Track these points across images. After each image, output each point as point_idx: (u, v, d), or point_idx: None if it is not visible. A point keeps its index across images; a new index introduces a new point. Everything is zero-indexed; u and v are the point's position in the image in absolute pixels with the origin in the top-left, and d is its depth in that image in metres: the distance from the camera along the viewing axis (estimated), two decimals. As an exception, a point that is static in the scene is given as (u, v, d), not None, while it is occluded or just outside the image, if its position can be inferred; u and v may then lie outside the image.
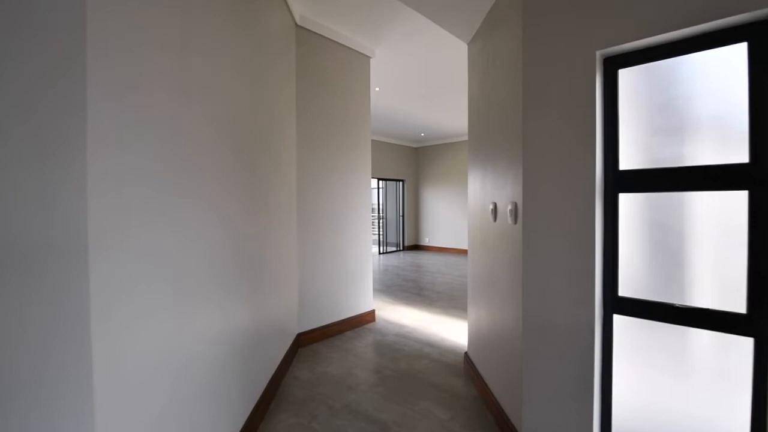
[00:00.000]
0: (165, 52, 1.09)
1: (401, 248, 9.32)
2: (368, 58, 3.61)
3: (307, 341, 3.02)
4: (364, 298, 3.59)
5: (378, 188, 9.08)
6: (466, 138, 8.43)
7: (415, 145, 9.51)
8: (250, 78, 1.91)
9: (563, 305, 1.55)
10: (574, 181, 1.49)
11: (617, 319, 1.49)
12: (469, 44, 2.61)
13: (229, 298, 1.65)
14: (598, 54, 1.43)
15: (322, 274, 3.18)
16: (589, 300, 1.47)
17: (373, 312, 3.65)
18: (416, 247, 9.55)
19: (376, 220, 9.25)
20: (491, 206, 2.05)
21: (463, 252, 8.52)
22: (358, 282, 3.53)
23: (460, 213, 8.61)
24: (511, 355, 1.81)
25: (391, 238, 9.39)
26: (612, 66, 1.44)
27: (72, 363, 0.80)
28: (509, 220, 1.78)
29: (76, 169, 0.79)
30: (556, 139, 1.53)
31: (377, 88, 4.90)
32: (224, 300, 1.59)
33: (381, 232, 9.01)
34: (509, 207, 1.78)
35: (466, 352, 2.67)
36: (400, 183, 9.35)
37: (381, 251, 8.84)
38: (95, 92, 0.82)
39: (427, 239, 9.35)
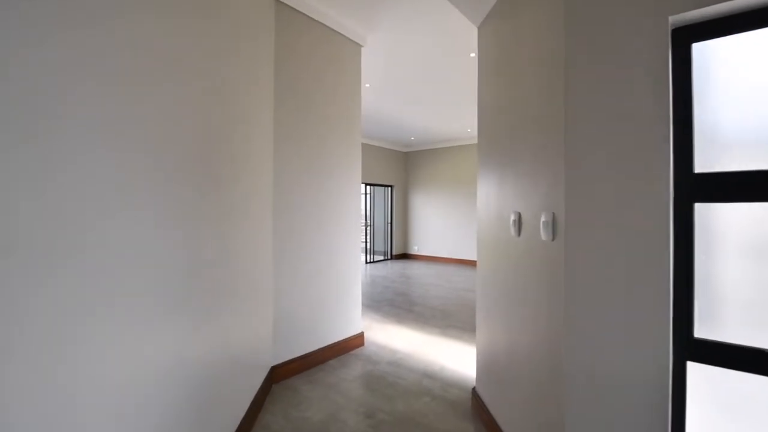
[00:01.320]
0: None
1: (389, 257, 8.88)
2: (359, 46, 3.21)
3: (283, 375, 2.54)
4: (352, 320, 3.14)
5: (365, 194, 8.66)
6: (458, 143, 8.12)
7: (404, 150, 9.14)
8: (214, 63, 1.47)
9: (619, 347, 1.15)
10: (639, 187, 1.10)
11: (692, 367, 1.11)
12: (480, 27, 2.24)
13: (182, 326, 1.21)
14: (670, 21, 1.06)
15: (303, 293, 2.72)
16: (656, 342, 1.09)
17: (361, 335, 3.20)
18: (405, 256, 9.13)
19: (363, 228, 8.80)
20: (513, 217, 1.65)
21: (455, 262, 8.15)
22: (345, 301, 3.07)
23: (452, 221, 8.26)
24: (542, 401, 1.40)
25: (379, 247, 8.95)
26: (684, 37, 1.07)
27: None
28: (543, 234, 1.38)
29: None
30: (612, 133, 1.14)
31: (367, 85, 4.50)
32: (176, 328, 1.16)
33: (368, 240, 8.56)
34: (543, 218, 1.38)
35: (474, 388, 2.24)
36: (389, 189, 8.95)
37: (368, 260, 8.39)
38: None
39: (416, 248, 8.95)
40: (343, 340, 3.03)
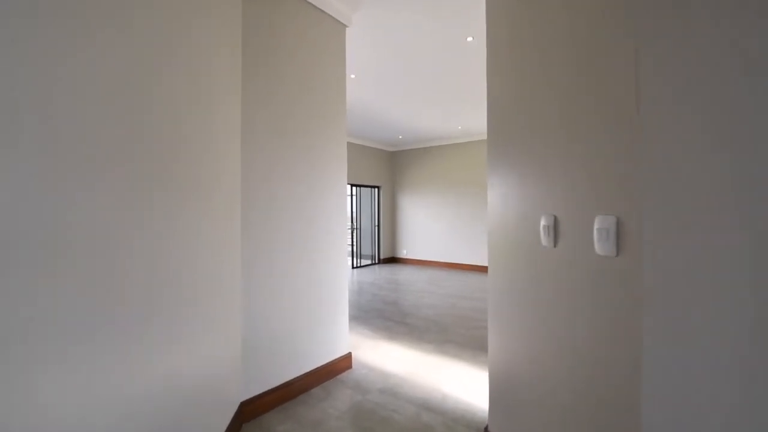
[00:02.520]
0: None
1: (377, 261, 8.49)
2: (344, 26, 2.81)
3: (255, 411, 2.11)
4: (339, 338, 2.73)
5: (351, 195, 8.24)
6: (448, 142, 7.80)
7: (391, 149, 8.77)
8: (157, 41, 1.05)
9: (722, 416, 0.79)
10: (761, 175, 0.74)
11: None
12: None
13: (119, 358, 0.80)
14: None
15: (280, 310, 2.30)
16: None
17: (349, 356, 2.79)
18: (393, 260, 8.75)
19: (350, 231, 8.37)
20: (544, 221, 1.29)
21: (445, 266, 7.82)
22: (330, 316, 2.66)
23: (441, 223, 7.93)
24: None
25: (366, 250, 8.55)
26: None
27: None
28: (598, 246, 1.02)
29: None
30: (718, 103, 0.78)
31: (352, 75, 4.11)
32: (111, 360, 0.74)
33: (355, 244, 8.15)
34: (598, 224, 1.02)
35: (486, 427, 1.87)
36: (376, 190, 8.56)
37: (355, 265, 7.97)
38: None
39: (405, 251, 8.59)
40: (329, 363, 2.61)
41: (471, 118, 6.06)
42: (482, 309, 4.43)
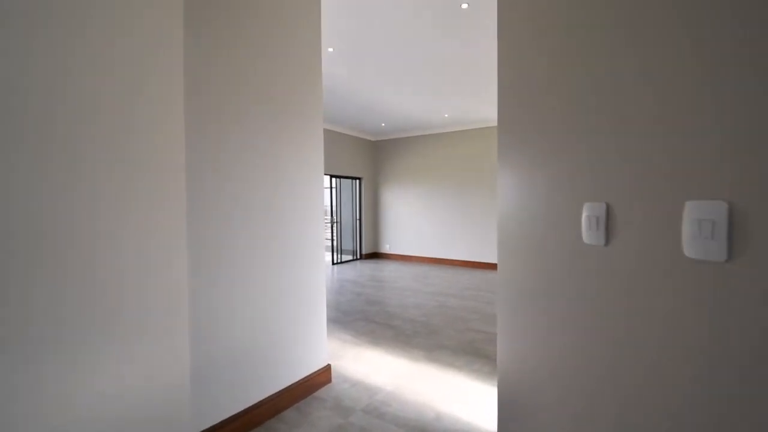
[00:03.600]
0: None
1: (358, 257, 8.12)
2: (320, -15, 2.39)
3: (211, 447, 1.72)
4: (316, 349, 2.35)
5: (331, 187, 7.81)
6: (434, 131, 7.47)
7: (373, 138, 8.37)
8: None
9: None
10: None
11: None
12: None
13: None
14: None
15: (243, 320, 1.90)
16: None
17: (328, 369, 2.42)
18: (375, 255, 8.40)
19: (329, 225, 7.96)
20: (587, 212, 0.95)
21: (430, 261, 7.53)
22: (304, 326, 2.28)
23: (426, 217, 7.63)
24: None
25: (347, 245, 8.16)
26: None
27: None
28: (693, 245, 0.68)
29: None
30: None
31: (330, 49, 3.68)
32: None
33: (335, 239, 7.74)
34: (694, 214, 0.68)
35: (492, 461, 1.55)
36: (357, 181, 8.16)
37: (335, 261, 7.57)
38: None
39: (387, 246, 8.25)
40: (304, 379, 2.24)
41: (460, 105, 5.74)
42: (473, 308, 4.15)
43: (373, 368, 2.63)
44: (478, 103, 5.55)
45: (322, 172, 2.43)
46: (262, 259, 1.99)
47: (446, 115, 6.32)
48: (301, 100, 2.24)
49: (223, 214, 1.81)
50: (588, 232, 0.96)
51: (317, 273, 2.38)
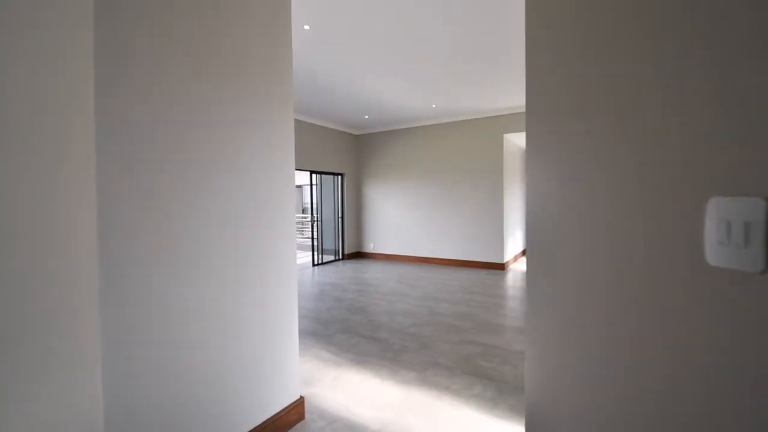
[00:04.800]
0: None
1: (340, 257, 7.66)
2: (286, -72, 1.93)
3: None
4: (284, 381, 1.91)
5: (311, 184, 7.32)
6: (420, 123, 7.06)
7: (356, 132, 7.91)
8: None
9: None
10: None
11: None
12: None
13: None
14: None
15: (187, 351, 1.44)
16: None
17: (300, 403, 1.98)
18: (359, 255, 7.96)
19: (309, 223, 7.46)
20: (720, 214, 0.55)
21: (417, 260, 7.15)
22: (270, 353, 1.83)
23: (413, 214, 7.23)
24: None
25: (328, 245, 7.69)
26: None
27: None
28: None
29: None
30: None
31: (306, 27, 3.21)
32: None
33: (315, 238, 7.26)
34: None
35: None
36: (339, 177, 7.69)
37: (315, 262, 7.09)
38: None
39: (372, 245, 7.82)
40: (269, 420, 1.79)
41: (450, 94, 5.34)
42: (466, 314, 3.78)
43: (355, 397, 2.21)
44: (471, 90, 5.17)
45: (293, 166, 1.98)
46: (210, 277, 1.53)
47: (434, 106, 5.92)
48: (264, 75, 1.78)
49: (155, 226, 1.33)
50: (719, 249, 0.55)
51: (287, 287, 1.93)
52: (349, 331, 3.34)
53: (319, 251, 7.30)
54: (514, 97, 5.49)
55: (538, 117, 0.79)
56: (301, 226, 12.30)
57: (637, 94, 0.64)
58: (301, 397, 2.00)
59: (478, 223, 6.51)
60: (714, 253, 0.53)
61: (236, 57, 1.65)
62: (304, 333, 3.30)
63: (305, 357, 2.77)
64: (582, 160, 0.73)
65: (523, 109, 6.15)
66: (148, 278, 1.32)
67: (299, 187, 14.17)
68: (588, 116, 0.71)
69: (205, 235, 1.52)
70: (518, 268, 6.47)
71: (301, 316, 3.82)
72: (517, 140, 6.99)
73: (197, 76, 1.49)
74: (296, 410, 1.94)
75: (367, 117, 6.69)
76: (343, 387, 2.33)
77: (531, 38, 0.79)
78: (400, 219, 7.40)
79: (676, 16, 0.59)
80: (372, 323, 3.56)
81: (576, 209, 0.76)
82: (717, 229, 0.52)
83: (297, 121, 6.44)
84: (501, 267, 6.28)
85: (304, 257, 7.52)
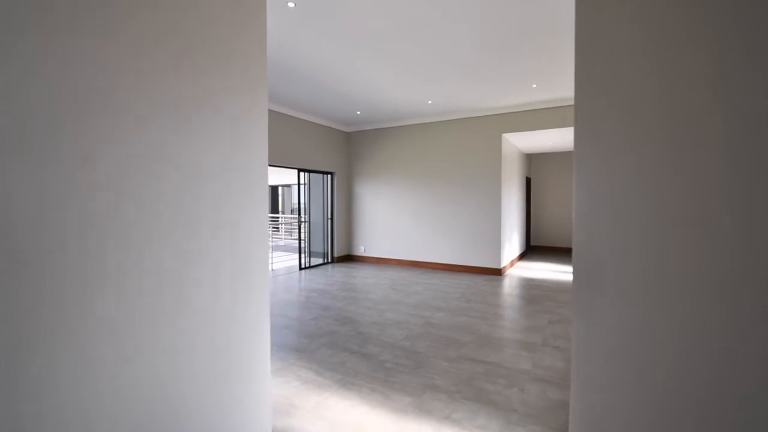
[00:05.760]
0: None
1: (330, 260, 7.30)
2: None
3: None
4: (251, 412, 1.56)
5: (299, 183, 6.95)
6: (414, 121, 6.75)
7: (347, 129, 7.56)
8: None
9: None
10: None
11: None
12: None
13: None
14: None
15: (127, 389, 1.09)
16: None
17: (272, 443, 1.63)
18: (349, 258, 7.61)
19: (297, 224, 7.09)
20: None
21: (410, 264, 6.82)
22: (236, 382, 1.48)
23: (408, 216, 6.91)
24: None
25: (317, 247, 7.32)
26: None
27: None
28: None
29: None
30: None
31: (291, 4, 2.87)
32: None
33: (303, 240, 6.89)
34: None
35: None
36: (329, 176, 7.34)
37: (303, 266, 6.72)
38: None
39: (362, 248, 7.47)
40: (230, 468, 1.44)
41: (446, 89, 5.04)
42: (465, 326, 3.46)
43: (339, 430, 1.86)
44: (468, 86, 4.88)
45: (266, 166, 1.64)
46: (155, 297, 1.18)
47: (430, 102, 5.62)
48: (234, 64, 1.43)
49: (76, 227, 0.98)
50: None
51: (257, 303, 1.59)
52: (335, 346, 2.99)
53: (307, 254, 6.92)
54: (514, 96, 5.21)
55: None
56: (290, 227, 11.90)
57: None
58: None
59: (474, 226, 6.22)
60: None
61: (181, 35, 1.31)
62: (285, 348, 2.95)
63: (284, 378, 2.42)
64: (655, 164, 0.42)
65: (524, 109, 5.90)
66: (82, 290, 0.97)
67: (288, 186, 13.76)
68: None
69: (162, 249, 1.17)
70: (515, 273, 6.19)
71: (283, 327, 3.46)
72: (516, 141, 6.73)
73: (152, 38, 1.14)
74: (266, 452, 1.59)
75: (359, 113, 6.35)
76: (325, 416, 1.99)
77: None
78: (393, 221, 7.08)
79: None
80: (361, 336, 3.22)
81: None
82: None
83: (283, 116, 6.08)
84: (498, 272, 6.00)
85: (291, 260, 7.13)
